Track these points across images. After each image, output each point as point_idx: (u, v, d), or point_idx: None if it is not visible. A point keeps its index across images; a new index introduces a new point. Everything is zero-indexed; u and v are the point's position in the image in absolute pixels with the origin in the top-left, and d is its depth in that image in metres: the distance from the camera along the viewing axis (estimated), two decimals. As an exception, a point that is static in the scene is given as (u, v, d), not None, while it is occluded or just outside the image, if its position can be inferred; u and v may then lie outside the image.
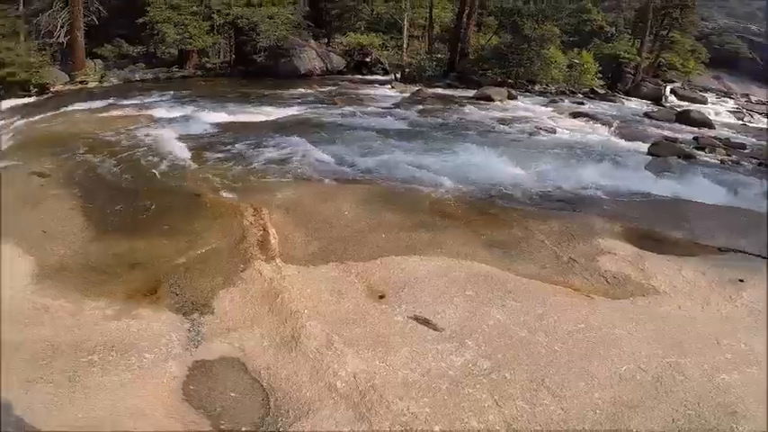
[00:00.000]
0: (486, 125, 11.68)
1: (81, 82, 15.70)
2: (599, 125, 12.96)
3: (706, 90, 31.24)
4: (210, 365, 2.97)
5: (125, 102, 11.93)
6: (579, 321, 3.45)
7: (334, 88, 16.35)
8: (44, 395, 2.65)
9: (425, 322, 3.38)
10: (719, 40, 42.43)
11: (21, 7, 15.61)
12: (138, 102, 12.06)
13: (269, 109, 11.94)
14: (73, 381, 2.75)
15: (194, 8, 17.61)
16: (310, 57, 20.04)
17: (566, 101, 17.42)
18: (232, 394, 2.78)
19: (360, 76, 20.54)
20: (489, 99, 15.32)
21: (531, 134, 11.11)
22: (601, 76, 22.92)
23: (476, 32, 24.16)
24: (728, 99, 30.09)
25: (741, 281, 4.16)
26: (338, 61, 21.20)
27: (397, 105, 13.51)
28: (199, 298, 3.57)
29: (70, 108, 11.10)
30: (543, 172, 7.79)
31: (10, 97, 13.22)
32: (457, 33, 21.78)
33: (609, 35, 28.63)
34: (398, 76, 19.88)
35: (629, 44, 26.53)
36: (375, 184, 6.63)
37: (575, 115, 14.09)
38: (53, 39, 15.68)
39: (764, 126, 17.29)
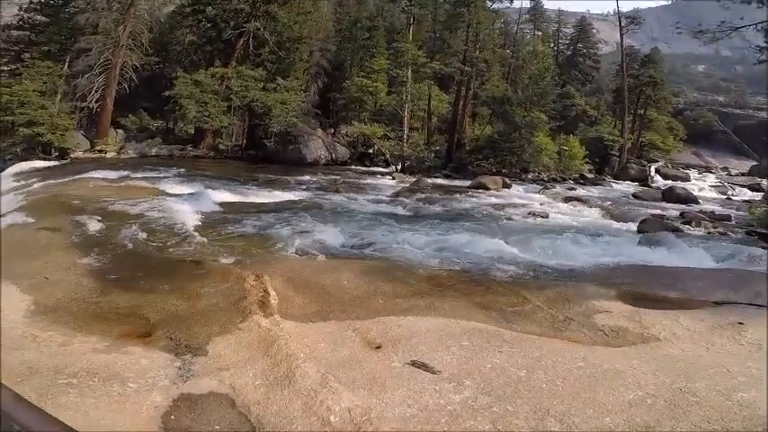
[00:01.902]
0: (482, 211, 12.19)
1: (100, 150, 16.18)
2: (590, 208, 13.57)
3: (688, 166, 33.03)
4: (197, 399, 2.89)
5: (140, 175, 12.49)
6: (578, 360, 3.40)
7: (337, 177, 17.17)
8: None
9: (422, 366, 3.33)
10: (693, 115, 45.54)
11: (65, 67, 16.38)
12: (152, 176, 12.61)
13: (275, 192, 12.52)
14: (44, 397, 2.69)
15: (216, 86, 18.78)
16: (317, 146, 21.10)
17: (557, 187, 18.37)
18: (216, 427, 2.67)
19: (363, 168, 21.58)
20: (485, 188, 16.18)
21: (524, 218, 11.54)
22: (589, 160, 24.10)
23: (471, 123, 25.83)
24: (709, 173, 31.56)
25: (741, 323, 4.15)
26: (343, 152, 22.39)
27: (397, 194, 14.19)
28: (193, 342, 3.54)
29: (87, 175, 11.64)
30: (537, 249, 7.95)
31: (30, 159, 13.54)
32: (453, 124, 23.39)
33: (593, 119, 30.61)
34: (399, 167, 20.95)
35: (612, 126, 28.33)
36: (373, 260, 6.78)
37: (566, 200, 14.77)
38: (85, 102, 16.27)
39: (747, 198, 17.85)
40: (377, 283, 5.60)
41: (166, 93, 18.23)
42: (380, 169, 21.34)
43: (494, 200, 14.25)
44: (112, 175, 12.11)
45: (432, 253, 7.34)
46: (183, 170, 14.22)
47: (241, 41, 20.32)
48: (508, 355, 3.53)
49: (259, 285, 4.81)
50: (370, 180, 17.65)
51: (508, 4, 25.74)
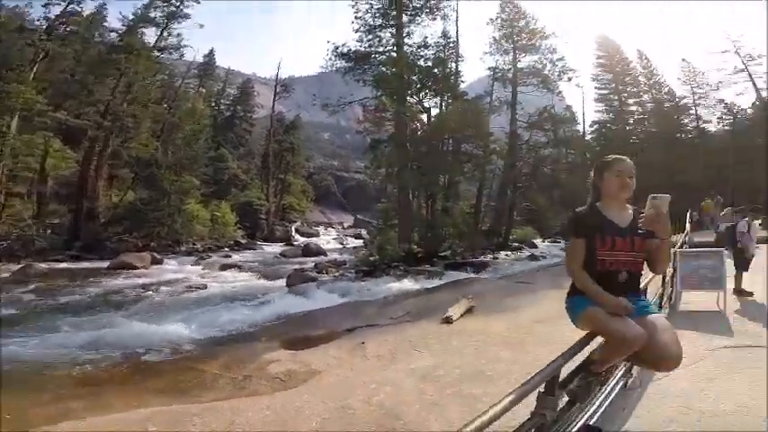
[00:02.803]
0: (129, 295, 11.01)
1: None
2: (246, 272, 14.66)
3: (318, 224, 40.94)
4: None
5: None
6: (265, 409, 3.88)
7: None
8: None
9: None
10: (319, 179, 56.23)
11: None
12: None
13: None
14: None
15: None
16: None
17: (214, 256, 18.62)
18: None
19: None
20: (131, 267, 14.58)
21: (183, 293, 11.21)
22: (241, 226, 25.25)
23: (107, 188, 21.81)
24: (332, 228, 40.50)
25: (363, 343, 5.76)
26: None
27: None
28: None
29: None
30: (201, 322, 8.07)
31: None
32: (81, 189, 19.21)
33: (244, 183, 32.41)
34: (-12, 253, 15.32)
35: (260, 190, 31.00)
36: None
37: (223, 268, 15.40)
38: None
39: (357, 245, 23.99)
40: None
41: None
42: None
43: (143, 279, 13.08)
44: None
45: (72, 352, 6.20)
46: None
47: None
48: (202, 426, 3.58)
49: None
50: None
51: (178, 57, 24.12)
